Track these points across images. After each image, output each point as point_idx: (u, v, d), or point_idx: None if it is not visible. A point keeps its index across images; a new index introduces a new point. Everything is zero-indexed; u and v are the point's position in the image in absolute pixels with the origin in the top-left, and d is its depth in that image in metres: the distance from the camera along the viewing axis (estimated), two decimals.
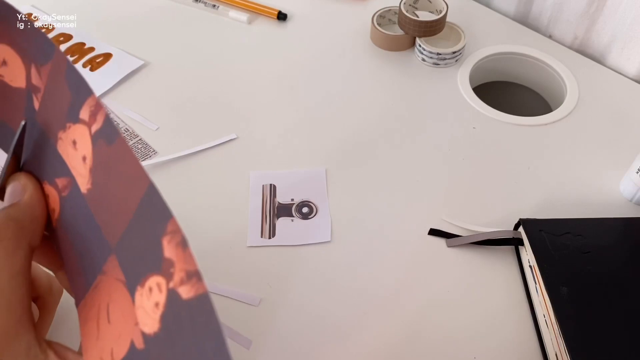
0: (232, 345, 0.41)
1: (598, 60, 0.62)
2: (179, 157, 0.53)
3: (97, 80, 0.61)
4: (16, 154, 0.28)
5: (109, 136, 0.23)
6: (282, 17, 0.67)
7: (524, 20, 0.67)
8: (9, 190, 0.27)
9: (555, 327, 0.39)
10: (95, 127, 0.24)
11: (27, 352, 0.24)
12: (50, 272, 0.32)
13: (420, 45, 0.61)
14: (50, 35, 0.66)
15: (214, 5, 0.69)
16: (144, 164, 0.53)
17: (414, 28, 0.60)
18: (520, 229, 0.46)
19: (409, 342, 0.41)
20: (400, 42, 0.63)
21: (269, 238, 0.47)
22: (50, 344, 0.26)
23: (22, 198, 0.26)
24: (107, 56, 0.63)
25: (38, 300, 0.32)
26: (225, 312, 0.43)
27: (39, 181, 0.27)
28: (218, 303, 0.43)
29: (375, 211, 0.49)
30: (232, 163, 0.53)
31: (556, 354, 0.39)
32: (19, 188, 0.27)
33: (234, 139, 0.55)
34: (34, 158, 0.27)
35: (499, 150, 0.54)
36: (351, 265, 0.46)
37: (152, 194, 0.21)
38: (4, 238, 0.25)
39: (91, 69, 0.62)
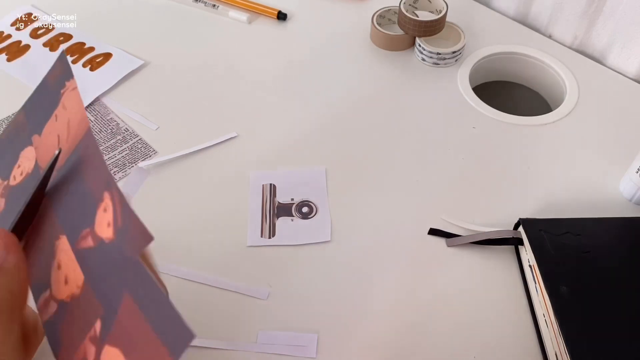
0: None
1: (598, 60, 0.62)
2: (179, 157, 0.53)
3: (97, 80, 0.61)
4: (46, 179, 0.27)
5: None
6: (282, 16, 0.67)
7: (524, 20, 0.67)
8: None
9: (555, 326, 0.39)
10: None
11: None
12: (36, 311, 0.30)
13: (420, 45, 0.61)
14: (50, 35, 0.66)
15: (214, 5, 0.69)
16: (144, 164, 0.53)
17: (414, 28, 0.60)
18: (520, 229, 0.46)
19: (408, 341, 0.41)
20: (400, 42, 0.63)
21: (269, 238, 0.47)
22: None
23: (6, 260, 0.23)
24: (107, 56, 0.63)
25: (23, 339, 0.31)
26: (226, 310, 0.43)
27: (18, 231, 0.25)
28: (219, 300, 0.43)
29: (375, 211, 0.49)
30: (232, 163, 0.53)
31: (556, 354, 0.39)
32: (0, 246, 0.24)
33: (235, 137, 0.55)
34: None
35: (499, 150, 0.54)
36: (351, 265, 0.46)
37: None
38: (1, 311, 0.23)
39: (91, 69, 0.62)
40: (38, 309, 0.26)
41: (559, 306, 0.39)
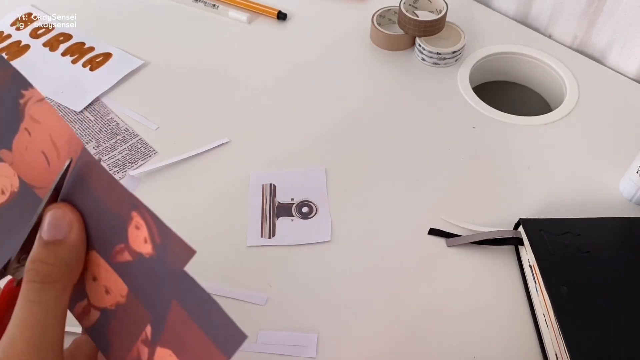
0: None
1: (598, 60, 0.62)
2: (179, 158, 0.53)
3: (97, 80, 0.61)
4: (57, 191, 0.27)
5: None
6: (282, 16, 0.67)
7: (524, 20, 0.67)
8: (50, 218, 0.25)
9: (555, 326, 0.39)
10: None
11: None
12: None
13: (420, 45, 0.61)
14: (50, 35, 0.66)
15: (214, 5, 0.69)
16: (144, 165, 0.53)
17: (414, 28, 0.60)
18: (520, 229, 0.46)
19: (409, 340, 0.41)
20: (400, 42, 0.63)
21: (269, 238, 0.47)
22: None
23: (68, 236, 0.25)
24: (107, 56, 0.63)
25: None
26: (226, 310, 0.43)
27: (80, 214, 0.26)
28: (219, 300, 0.43)
29: (375, 211, 0.49)
30: (232, 163, 0.53)
31: (556, 353, 0.39)
32: (64, 223, 0.25)
33: (228, 142, 0.55)
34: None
35: (499, 150, 0.54)
36: (351, 265, 0.46)
37: None
38: (55, 280, 0.25)
39: (91, 69, 0.62)
40: (76, 317, 0.27)
41: (559, 306, 0.39)
